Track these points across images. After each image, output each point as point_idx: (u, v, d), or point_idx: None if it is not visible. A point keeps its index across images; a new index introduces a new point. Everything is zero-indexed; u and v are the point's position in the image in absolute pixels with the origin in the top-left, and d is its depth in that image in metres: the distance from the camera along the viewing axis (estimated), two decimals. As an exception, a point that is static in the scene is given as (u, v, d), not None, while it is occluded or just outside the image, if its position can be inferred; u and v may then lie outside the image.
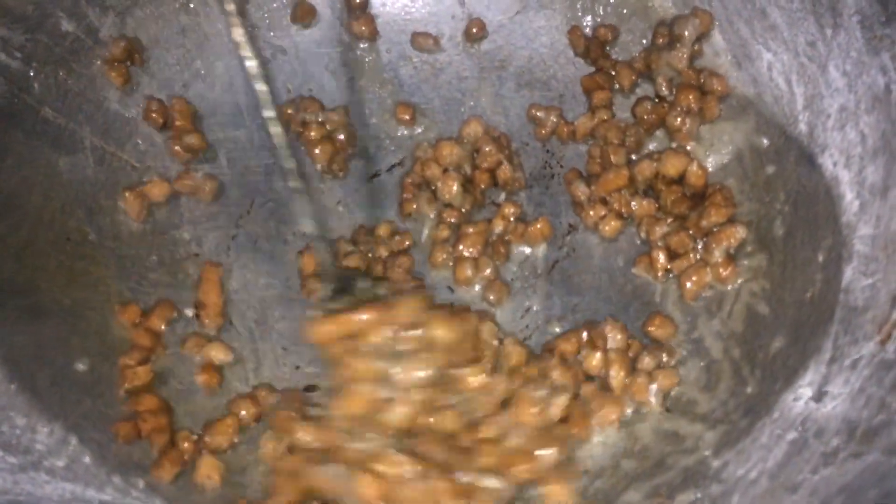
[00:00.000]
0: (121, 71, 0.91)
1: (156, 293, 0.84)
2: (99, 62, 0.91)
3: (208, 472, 0.75)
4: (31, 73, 0.87)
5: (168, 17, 0.95)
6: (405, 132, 0.95)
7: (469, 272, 0.86)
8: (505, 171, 0.90)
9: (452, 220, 0.89)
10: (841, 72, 0.79)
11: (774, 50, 0.85)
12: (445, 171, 0.91)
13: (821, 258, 0.75)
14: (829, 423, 0.64)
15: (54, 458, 0.68)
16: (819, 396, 0.66)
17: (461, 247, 0.87)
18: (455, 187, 0.89)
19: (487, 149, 0.90)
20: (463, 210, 0.90)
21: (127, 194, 0.87)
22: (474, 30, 0.98)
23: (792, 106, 0.83)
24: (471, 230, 0.88)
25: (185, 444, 0.76)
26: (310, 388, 0.81)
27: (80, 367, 0.76)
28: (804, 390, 0.67)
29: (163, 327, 0.82)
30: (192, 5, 0.96)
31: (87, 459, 0.69)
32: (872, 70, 0.76)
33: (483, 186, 0.91)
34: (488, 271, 0.87)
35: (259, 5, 0.97)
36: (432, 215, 0.90)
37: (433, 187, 0.91)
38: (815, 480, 0.61)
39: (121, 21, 0.93)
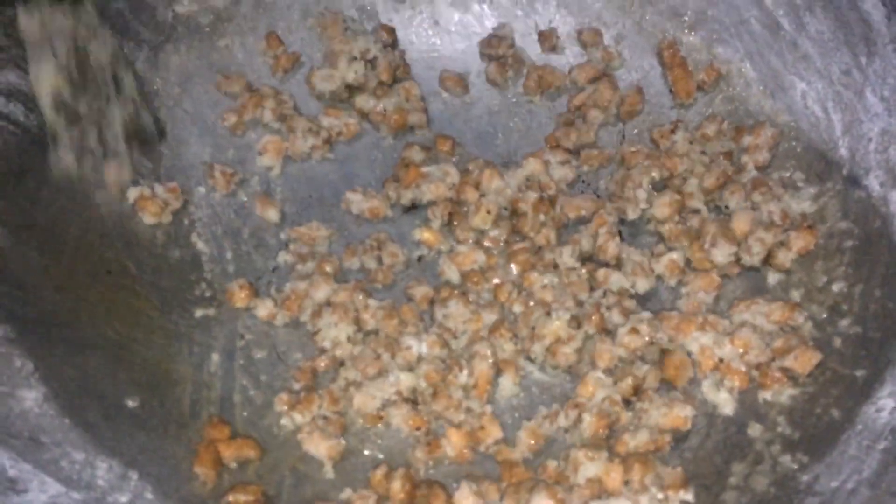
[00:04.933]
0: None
1: (199, 328, 0.81)
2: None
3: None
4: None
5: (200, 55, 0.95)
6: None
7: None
8: (547, 235, 0.88)
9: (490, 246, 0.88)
10: (879, 97, 0.82)
11: (808, 79, 0.88)
12: (482, 196, 0.90)
13: (879, 275, 0.76)
14: (920, 431, 0.64)
15: (118, 493, 0.65)
16: (903, 406, 0.67)
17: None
18: (487, 216, 0.89)
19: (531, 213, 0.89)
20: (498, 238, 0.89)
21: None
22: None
23: (830, 132, 0.85)
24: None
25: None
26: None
27: (131, 403, 0.73)
28: (885, 401, 0.67)
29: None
30: (221, 43, 0.96)
31: (149, 495, 0.66)
32: (913, 94, 0.79)
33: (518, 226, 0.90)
34: None
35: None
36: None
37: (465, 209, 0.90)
38: (922, 484, 0.60)
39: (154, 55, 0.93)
